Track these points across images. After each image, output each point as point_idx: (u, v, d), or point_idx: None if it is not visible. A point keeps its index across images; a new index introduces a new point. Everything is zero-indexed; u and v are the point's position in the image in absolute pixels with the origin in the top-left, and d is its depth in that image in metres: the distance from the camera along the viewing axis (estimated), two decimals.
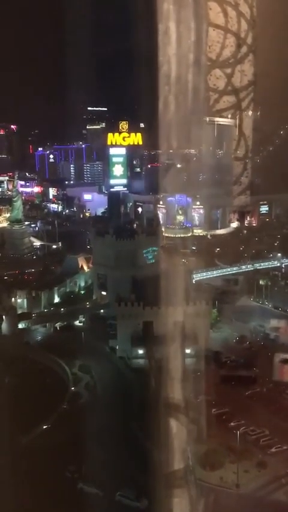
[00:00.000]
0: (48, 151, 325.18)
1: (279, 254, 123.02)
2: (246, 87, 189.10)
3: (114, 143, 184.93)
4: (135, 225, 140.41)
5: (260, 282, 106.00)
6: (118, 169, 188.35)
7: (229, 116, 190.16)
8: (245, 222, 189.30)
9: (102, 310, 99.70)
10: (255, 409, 66.67)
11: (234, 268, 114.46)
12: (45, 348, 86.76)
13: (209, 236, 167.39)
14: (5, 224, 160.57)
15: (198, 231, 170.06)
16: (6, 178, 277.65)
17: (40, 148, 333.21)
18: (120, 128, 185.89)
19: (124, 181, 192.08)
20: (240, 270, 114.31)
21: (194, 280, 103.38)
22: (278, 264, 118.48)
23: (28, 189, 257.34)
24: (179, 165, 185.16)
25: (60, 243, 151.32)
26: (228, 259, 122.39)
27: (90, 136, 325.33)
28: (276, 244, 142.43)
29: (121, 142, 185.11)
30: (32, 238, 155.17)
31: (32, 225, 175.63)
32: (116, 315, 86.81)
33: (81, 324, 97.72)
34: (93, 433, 59.30)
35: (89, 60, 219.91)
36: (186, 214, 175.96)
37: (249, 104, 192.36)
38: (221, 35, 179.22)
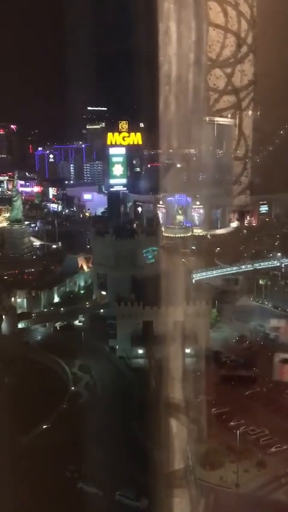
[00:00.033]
0: (48, 151, 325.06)
1: (279, 254, 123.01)
2: (246, 87, 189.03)
3: (114, 143, 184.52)
4: (135, 224, 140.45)
5: (260, 282, 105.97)
6: (118, 169, 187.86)
7: (229, 116, 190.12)
8: (245, 222, 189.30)
9: (102, 310, 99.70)
10: (255, 408, 66.71)
11: (234, 268, 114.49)
12: (45, 347, 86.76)
13: (208, 236, 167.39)
14: (4, 224, 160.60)
15: (198, 231, 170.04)
16: (6, 178, 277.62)
17: (40, 148, 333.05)
18: (120, 127, 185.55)
19: (124, 181, 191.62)
20: (240, 270, 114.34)
21: (194, 280, 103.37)
22: (278, 264, 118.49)
23: (28, 189, 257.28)
24: (178, 165, 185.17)
25: (60, 242, 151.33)
26: (228, 259, 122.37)
27: (90, 136, 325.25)
28: (276, 244, 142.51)
29: (121, 142, 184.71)
30: (32, 238, 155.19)
31: (32, 225, 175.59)
32: (115, 314, 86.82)
33: (81, 324, 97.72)
34: (93, 432, 59.34)
35: (89, 60, 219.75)
36: (186, 214, 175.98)
37: (249, 104, 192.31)
38: (221, 35, 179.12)
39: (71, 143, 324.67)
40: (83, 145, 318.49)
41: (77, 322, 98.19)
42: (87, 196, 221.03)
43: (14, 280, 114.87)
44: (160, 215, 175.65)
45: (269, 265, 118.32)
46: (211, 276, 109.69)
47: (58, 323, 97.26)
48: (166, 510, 48.02)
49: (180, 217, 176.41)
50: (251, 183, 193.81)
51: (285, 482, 53.26)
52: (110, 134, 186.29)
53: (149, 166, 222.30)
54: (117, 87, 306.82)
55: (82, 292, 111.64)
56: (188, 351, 78.12)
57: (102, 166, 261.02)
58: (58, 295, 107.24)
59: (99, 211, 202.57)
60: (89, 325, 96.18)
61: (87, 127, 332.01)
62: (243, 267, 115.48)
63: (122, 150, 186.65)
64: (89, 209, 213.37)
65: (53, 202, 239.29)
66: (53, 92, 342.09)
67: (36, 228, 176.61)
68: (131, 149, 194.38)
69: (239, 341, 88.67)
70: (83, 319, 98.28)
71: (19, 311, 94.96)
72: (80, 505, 49.51)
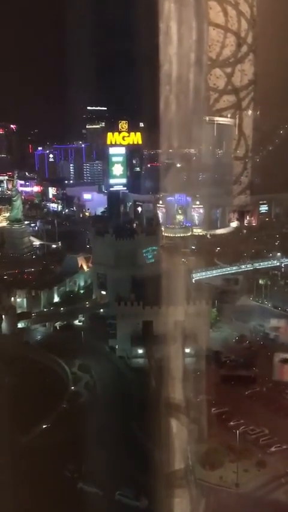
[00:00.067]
0: (47, 151, 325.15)
1: (278, 253, 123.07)
2: (246, 87, 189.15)
3: (113, 143, 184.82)
4: (134, 224, 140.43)
5: (260, 282, 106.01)
6: (118, 169, 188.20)
7: (229, 116, 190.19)
8: (245, 222, 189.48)
9: (101, 310, 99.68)
10: (254, 408, 66.71)
11: (234, 268, 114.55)
12: (44, 347, 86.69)
13: (208, 236, 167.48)
14: (4, 223, 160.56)
15: (197, 231, 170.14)
16: (6, 177, 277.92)
17: (40, 148, 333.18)
18: (120, 127, 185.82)
19: (124, 180, 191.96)
20: (240, 270, 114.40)
21: (193, 280, 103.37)
22: (278, 264, 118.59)
23: (28, 189, 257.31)
24: (178, 165, 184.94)
25: (59, 242, 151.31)
26: (228, 259, 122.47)
27: (89, 135, 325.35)
28: (275, 243, 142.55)
29: (121, 141, 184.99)
30: (32, 238, 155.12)
31: (32, 225, 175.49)
32: (115, 314, 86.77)
33: (80, 324, 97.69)
34: (93, 432, 59.34)
35: (89, 60, 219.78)
36: (186, 214, 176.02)
37: (249, 104, 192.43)
38: (221, 34, 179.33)
39: (71, 143, 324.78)
40: (82, 145, 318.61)
41: (76, 322, 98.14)
42: (87, 196, 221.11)
43: (13, 280, 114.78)
44: (160, 215, 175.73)
45: (269, 265, 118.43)
46: (211, 275, 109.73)
47: (58, 323, 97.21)
48: (166, 510, 48.04)
49: (180, 217, 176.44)
50: (251, 182, 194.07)
51: (284, 481, 53.26)
52: (109, 134, 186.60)
53: (148, 166, 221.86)
54: (117, 87, 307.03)
55: (82, 291, 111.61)
56: (187, 350, 78.11)
57: (102, 166, 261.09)
58: (58, 294, 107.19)
59: (99, 211, 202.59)
60: (88, 325, 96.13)
61: (87, 127, 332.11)
62: (243, 266, 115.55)
63: (122, 150, 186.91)
64: (88, 209, 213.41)
65: (52, 202, 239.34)
66: (53, 91, 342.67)
67: (36, 228, 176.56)
68: (131, 149, 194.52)
69: (239, 341, 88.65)
70: (83, 318, 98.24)
71: (19, 311, 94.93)
72: (80, 504, 49.51)
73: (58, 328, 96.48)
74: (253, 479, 53.51)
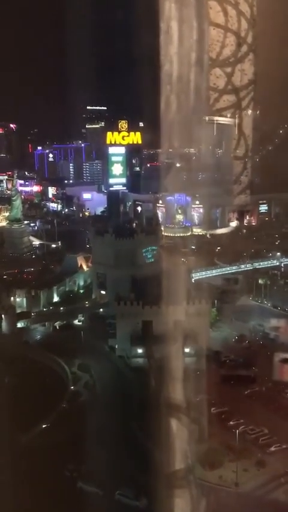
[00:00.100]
0: (47, 151, 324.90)
1: (278, 253, 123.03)
2: (246, 86, 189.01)
3: (113, 142, 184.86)
4: (134, 224, 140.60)
5: (260, 281, 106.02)
6: (117, 169, 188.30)
7: (229, 115, 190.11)
8: (245, 221, 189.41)
9: (101, 309, 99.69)
10: (254, 408, 66.77)
11: (234, 268, 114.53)
12: (44, 347, 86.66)
13: (208, 235, 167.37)
14: (4, 223, 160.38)
15: (197, 230, 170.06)
16: (6, 177, 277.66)
17: (39, 148, 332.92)
18: (119, 127, 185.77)
19: (123, 180, 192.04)
20: (240, 269, 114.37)
21: (193, 280, 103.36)
22: (277, 263, 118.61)
23: (27, 188, 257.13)
24: (178, 164, 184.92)
25: (59, 242, 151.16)
26: (228, 259, 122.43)
27: (89, 135, 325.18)
28: (275, 243, 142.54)
29: (120, 141, 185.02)
30: (31, 238, 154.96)
31: (31, 224, 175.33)
32: (115, 314, 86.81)
33: (80, 323, 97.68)
34: (92, 432, 59.30)
35: (89, 60, 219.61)
36: (186, 214, 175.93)
37: (249, 103, 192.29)
38: (221, 34, 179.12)
39: (71, 142, 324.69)
40: (82, 145, 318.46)
41: (76, 322, 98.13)
42: (86, 195, 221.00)
43: (13, 280, 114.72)
44: (160, 214, 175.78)
45: (269, 265, 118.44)
46: (211, 275, 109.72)
47: (57, 322, 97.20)
48: (166, 510, 48.04)
49: (179, 217, 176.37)
50: (250, 182, 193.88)
51: (284, 481, 53.29)
52: (109, 133, 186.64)
53: (148, 165, 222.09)
54: (117, 86, 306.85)
55: (81, 291, 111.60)
56: (187, 350, 78.22)
57: (101, 165, 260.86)
58: (57, 294, 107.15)
59: (99, 210, 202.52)
60: (88, 325, 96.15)
61: (86, 126, 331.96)
62: (242, 266, 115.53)
63: (122, 150, 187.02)
64: (88, 208, 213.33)
65: (52, 202, 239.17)
66: (53, 91, 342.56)
67: (36, 228, 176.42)
68: (131, 148, 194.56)
69: (239, 340, 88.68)
70: (83, 318, 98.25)
71: (18, 310, 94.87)
72: (80, 504, 49.49)
73: (58, 327, 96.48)
74: (253, 478, 53.54)
